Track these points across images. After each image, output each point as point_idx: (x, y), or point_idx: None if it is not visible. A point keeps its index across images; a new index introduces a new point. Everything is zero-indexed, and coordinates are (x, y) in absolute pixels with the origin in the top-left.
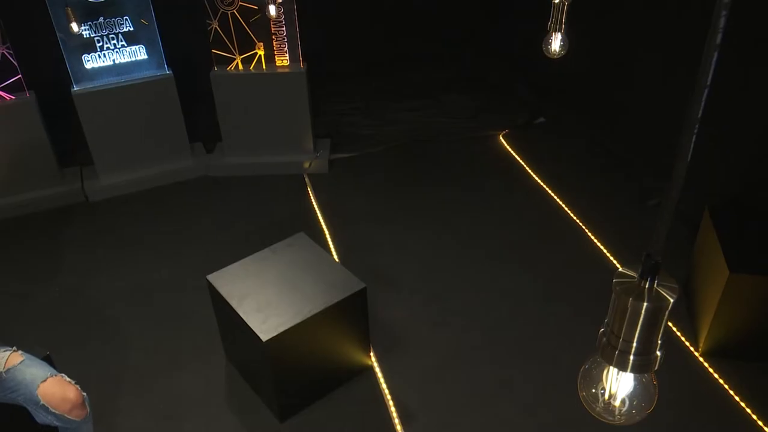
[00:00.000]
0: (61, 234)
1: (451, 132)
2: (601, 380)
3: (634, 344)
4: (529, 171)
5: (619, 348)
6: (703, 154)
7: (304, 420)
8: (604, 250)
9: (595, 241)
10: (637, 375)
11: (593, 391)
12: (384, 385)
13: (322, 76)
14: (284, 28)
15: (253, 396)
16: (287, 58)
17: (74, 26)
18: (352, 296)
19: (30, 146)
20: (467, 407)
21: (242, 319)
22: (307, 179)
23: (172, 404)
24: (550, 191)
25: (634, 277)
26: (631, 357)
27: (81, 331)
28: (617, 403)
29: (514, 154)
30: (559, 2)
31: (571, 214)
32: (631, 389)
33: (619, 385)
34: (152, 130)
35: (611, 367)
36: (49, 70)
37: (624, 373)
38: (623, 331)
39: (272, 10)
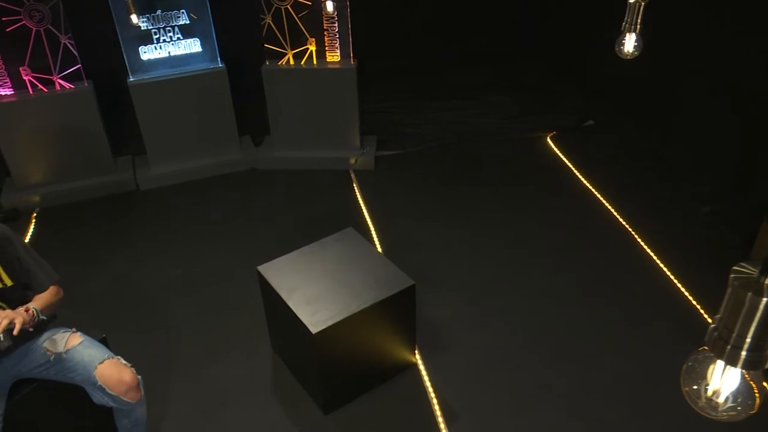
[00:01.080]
0: (114, 221)
1: (497, 132)
2: (706, 376)
3: (748, 340)
4: (577, 173)
5: (731, 343)
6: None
7: (348, 414)
8: (653, 255)
9: (643, 245)
10: (742, 373)
11: (695, 387)
12: (428, 383)
13: (366, 73)
14: (336, 25)
15: (297, 387)
16: (338, 54)
17: (133, 18)
18: (401, 293)
19: (86, 134)
20: (511, 409)
21: (292, 311)
22: (352, 175)
23: (217, 392)
24: (597, 194)
25: (752, 273)
26: (743, 353)
27: (131, 317)
28: (721, 400)
29: (561, 156)
30: (635, 2)
31: (619, 218)
32: (737, 386)
33: (724, 381)
34: (203, 122)
35: (718, 363)
36: (106, 60)
37: (732, 369)
38: (737, 326)
39: (330, 6)
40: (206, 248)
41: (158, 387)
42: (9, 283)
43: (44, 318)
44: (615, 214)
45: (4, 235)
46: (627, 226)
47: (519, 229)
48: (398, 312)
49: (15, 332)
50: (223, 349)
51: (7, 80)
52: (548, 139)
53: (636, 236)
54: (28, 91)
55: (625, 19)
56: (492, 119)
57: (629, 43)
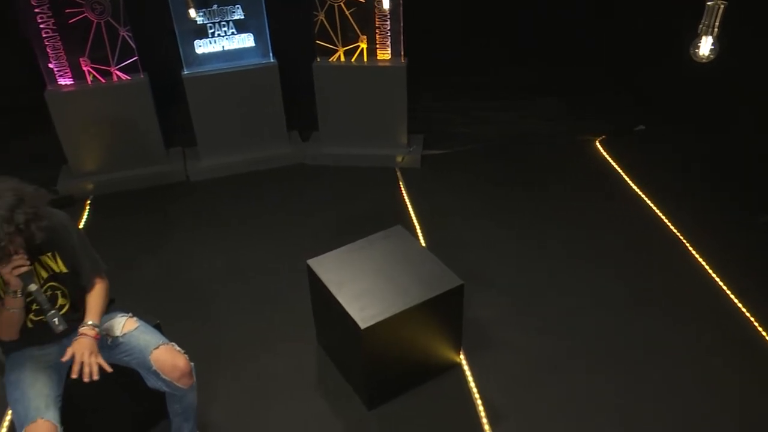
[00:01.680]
0: (164, 210)
1: (546, 134)
2: None
3: None
4: (627, 179)
5: None
6: None
7: (392, 410)
8: (704, 265)
9: (695, 254)
10: None
11: None
12: (472, 384)
13: (415, 71)
14: (388, 22)
15: (342, 382)
16: (389, 52)
17: (191, 12)
18: (449, 292)
19: (140, 125)
20: (559, 415)
21: (341, 305)
22: (398, 173)
23: (263, 383)
24: (648, 201)
25: None
26: None
27: (179, 306)
28: None
29: (611, 160)
30: (714, 4)
31: (671, 226)
32: None
33: None
34: (253, 116)
35: None
36: (160, 53)
37: None
38: None
39: (386, 2)
40: (253, 241)
41: (205, 376)
42: (64, 270)
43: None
44: (666, 221)
45: (61, 223)
46: (679, 234)
47: (567, 232)
48: (446, 311)
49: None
50: (268, 340)
51: (68, 70)
52: (597, 143)
53: (688, 245)
54: (87, 82)
55: (703, 21)
56: (541, 121)
57: (705, 46)
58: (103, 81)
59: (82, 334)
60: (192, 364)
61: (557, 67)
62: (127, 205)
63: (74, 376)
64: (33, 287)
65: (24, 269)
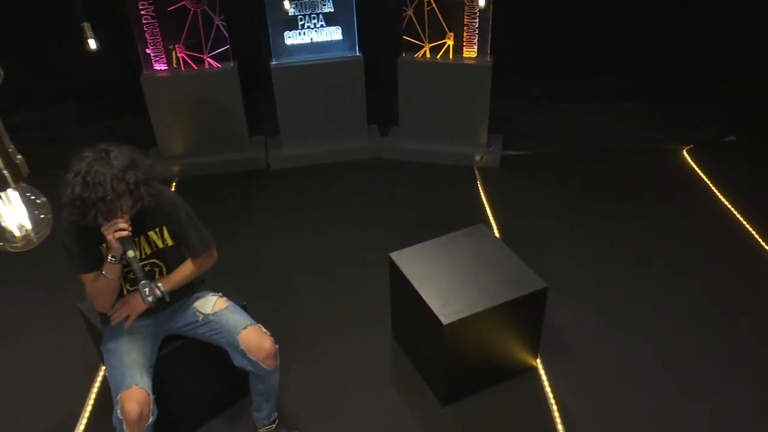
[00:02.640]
0: (245, 197)
1: (629, 140)
2: None
3: None
4: (715, 191)
5: None
6: None
7: (466, 409)
8: None
9: None
10: None
11: None
12: (548, 389)
13: (498, 70)
14: (477, 20)
15: (416, 376)
16: (475, 50)
17: (286, 4)
18: (532, 294)
19: (227, 112)
20: (638, 428)
21: (423, 300)
22: (476, 172)
23: (337, 372)
24: (737, 214)
25: None
26: None
27: (259, 290)
28: None
29: (698, 171)
30: None
31: (761, 241)
32: None
33: None
34: (336, 109)
35: None
36: (249, 43)
37: None
38: None
39: (482, 0)
40: (331, 231)
41: (281, 361)
42: (170, 243)
43: (166, 297)
44: (756, 236)
45: (170, 200)
46: None
47: (651, 241)
48: (527, 313)
49: (126, 325)
50: (344, 330)
51: (163, 56)
52: (684, 152)
53: None
54: (180, 68)
55: None
56: (625, 127)
57: None
58: (196, 68)
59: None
60: (277, 346)
61: (646, 72)
62: (209, 189)
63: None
64: (131, 254)
65: (125, 233)
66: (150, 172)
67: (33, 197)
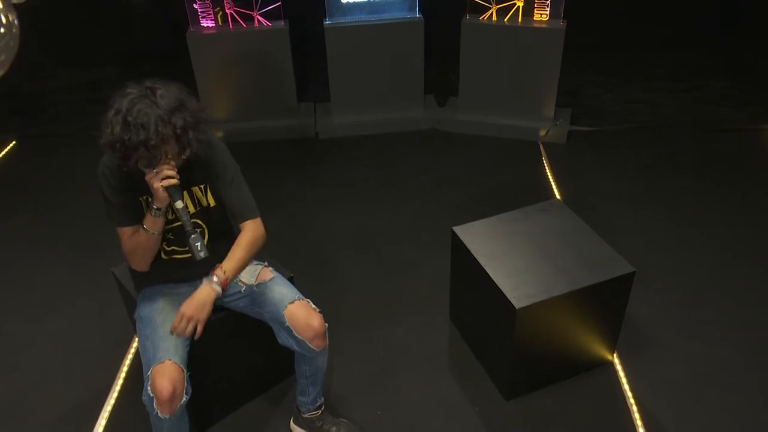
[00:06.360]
0: (291, 166)
1: (712, 120)
2: None
3: None
4: None
5: None
6: None
7: (532, 404)
8: None
9: None
10: None
11: None
12: (626, 386)
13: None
14: None
15: (476, 365)
16: (548, 12)
17: None
18: (616, 280)
19: (276, 74)
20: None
21: (492, 280)
22: (541, 147)
23: (388, 356)
24: None
25: None
26: None
27: (305, 264)
28: None
29: None
30: None
31: None
32: None
33: None
34: (391, 75)
35: None
36: (302, 0)
37: None
38: None
39: None
40: (383, 204)
41: (330, 341)
42: (212, 203)
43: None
44: None
45: (222, 155)
46: None
47: (736, 230)
48: (609, 301)
49: (196, 336)
50: (396, 311)
51: (211, 13)
52: None
53: None
54: (228, 25)
55: None
56: (704, 105)
57: None
58: (245, 26)
59: (207, 283)
60: (326, 324)
61: (726, 47)
62: (254, 156)
63: (171, 332)
64: (179, 204)
65: (173, 181)
66: (200, 116)
67: None
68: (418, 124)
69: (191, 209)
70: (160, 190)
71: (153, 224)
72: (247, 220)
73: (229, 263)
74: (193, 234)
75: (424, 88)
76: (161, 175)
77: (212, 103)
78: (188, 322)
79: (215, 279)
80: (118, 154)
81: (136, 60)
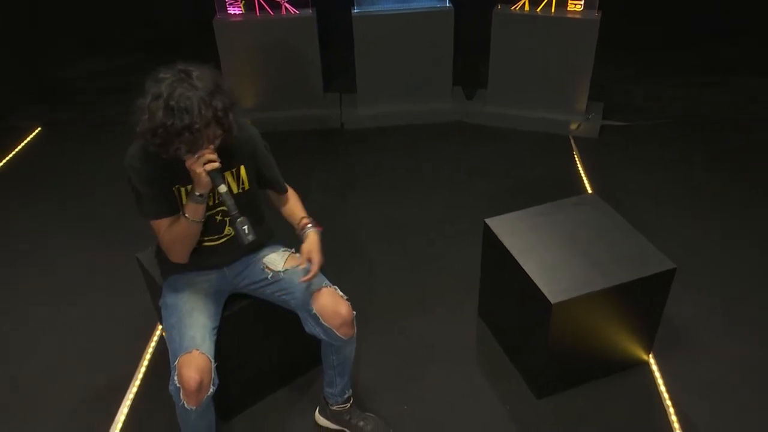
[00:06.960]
0: (316, 155)
1: (746, 117)
2: None
3: None
4: None
5: None
6: None
7: (564, 403)
8: None
9: None
10: None
11: None
12: (662, 388)
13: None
14: None
15: (505, 361)
16: (582, 2)
17: None
18: (656, 276)
19: (302, 63)
20: None
21: (527, 274)
22: (572, 142)
23: (415, 350)
24: None
25: None
26: None
27: (330, 255)
28: None
29: None
30: None
31: None
32: None
33: None
34: (419, 65)
35: None
36: None
37: None
38: None
39: None
40: (410, 196)
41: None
42: (247, 186)
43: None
44: None
45: (251, 137)
46: None
47: None
48: (648, 298)
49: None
50: (423, 304)
51: (238, 0)
52: None
53: None
54: (255, 13)
55: None
56: (740, 101)
57: None
58: (272, 13)
59: (311, 231)
60: (354, 312)
61: (761, 42)
62: (281, 145)
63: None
64: (223, 188)
65: (216, 165)
66: (234, 97)
67: None
68: (445, 116)
69: (235, 190)
70: (203, 174)
71: (195, 212)
72: (286, 190)
73: (304, 212)
74: (240, 217)
75: (453, 79)
76: (203, 159)
77: (238, 92)
78: (318, 266)
79: (310, 225)
80: (159, 140)
81: (160, 47)
